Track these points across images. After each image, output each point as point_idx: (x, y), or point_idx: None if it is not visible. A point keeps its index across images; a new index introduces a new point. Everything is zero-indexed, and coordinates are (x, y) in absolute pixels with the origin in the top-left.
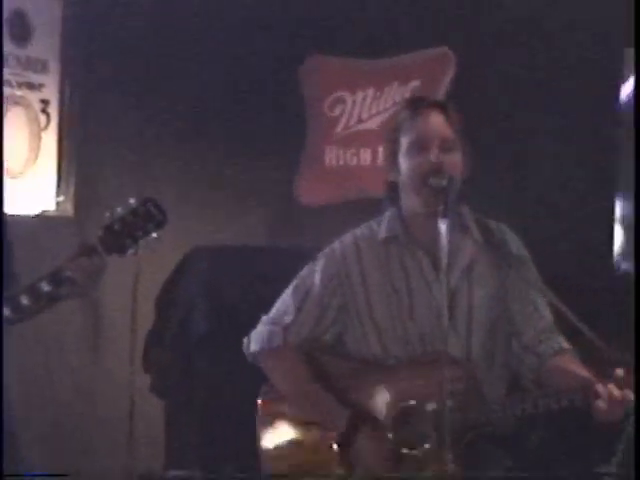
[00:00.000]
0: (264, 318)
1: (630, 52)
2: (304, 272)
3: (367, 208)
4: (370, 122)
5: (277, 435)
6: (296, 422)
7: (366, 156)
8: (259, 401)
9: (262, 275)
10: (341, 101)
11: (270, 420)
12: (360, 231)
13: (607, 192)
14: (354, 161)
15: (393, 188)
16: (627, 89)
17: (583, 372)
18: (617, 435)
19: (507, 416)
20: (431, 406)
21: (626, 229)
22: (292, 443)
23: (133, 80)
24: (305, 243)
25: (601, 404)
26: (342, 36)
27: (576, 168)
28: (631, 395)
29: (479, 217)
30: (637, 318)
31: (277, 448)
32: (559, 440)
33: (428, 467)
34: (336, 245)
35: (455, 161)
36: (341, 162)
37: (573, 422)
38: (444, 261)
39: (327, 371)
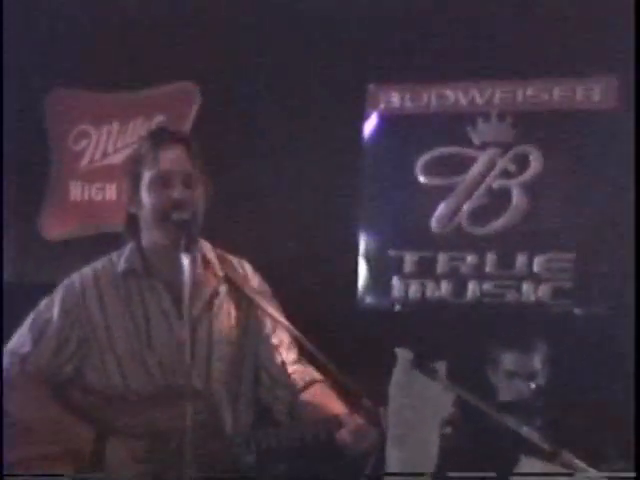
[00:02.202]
0: (4, 349)
1: (373, 88)
2: (43, 304)
3: (112, 243)
4: (115, 157)
5: None
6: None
7: (111, 191)
8: None
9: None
10: (86, 135)
11: None
12: (100, 264)
13: (351, 226)
14: (99, 196)
15: (134, 221)
16: (370, 125)
17: (331, 404)
18: (363, 469)
19: (251, 451)
20: (173, 440)
21: (370, 263)
22: None
23: None
24: (48, 277)
25: (345, 435)
26: (85, 69)
27: (320, 201)
28: (375, 430)
29: (220, 252)
30: (637, 320)
31: None
32: (306, 474)
33: None
34: (75, 277)
35: (197, 196)
36: (86, 197)
37: (320, 455)
38: (186, 295)
39: (71, 403)
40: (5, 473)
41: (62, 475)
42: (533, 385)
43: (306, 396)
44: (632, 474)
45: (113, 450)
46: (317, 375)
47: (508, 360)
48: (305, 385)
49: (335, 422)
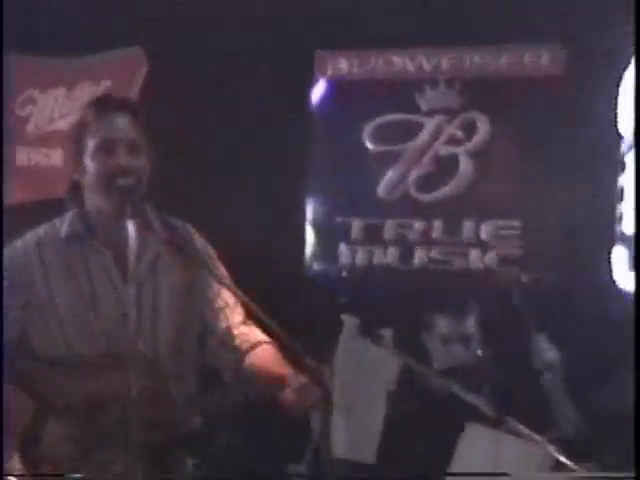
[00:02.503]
0: None
1: (321, 54)
2: None
3: (57, 208)
4: (60, 122)
5: None
6: None
7: (57, 156)
8: None
9: None
10: (31, 100)
11: None
12: (43, 229)
13: (299, 194)
14: (45, 161)
15: (77, 188)
16: (317, 92)
17: (277, 365)
18: (306, 435)
19: (196, 414)
20: (117, 405)
21: (317, 230)
22: None
23: None
24: None
25: (289, 393)
26: (34, 35)
27: (267, 168)
28: (319, 389)
29: (163, 216)
30: (637, 319)
31: None
32: (250, 439)
33: (115, 467)
34: (18, 243)
35: (142, 162)
36: (32, 162)
37: (264, 421)
38: (131, 259)
39: (16, 369)
40: (5, 473)
41: (62, 475)
42: (479, 351)
43: (252, 358)
44: (632, 474)
45: (52, 425)
46: (263, 337)
47: (447, 325)
48: (251, 347)
49: (280, 381)
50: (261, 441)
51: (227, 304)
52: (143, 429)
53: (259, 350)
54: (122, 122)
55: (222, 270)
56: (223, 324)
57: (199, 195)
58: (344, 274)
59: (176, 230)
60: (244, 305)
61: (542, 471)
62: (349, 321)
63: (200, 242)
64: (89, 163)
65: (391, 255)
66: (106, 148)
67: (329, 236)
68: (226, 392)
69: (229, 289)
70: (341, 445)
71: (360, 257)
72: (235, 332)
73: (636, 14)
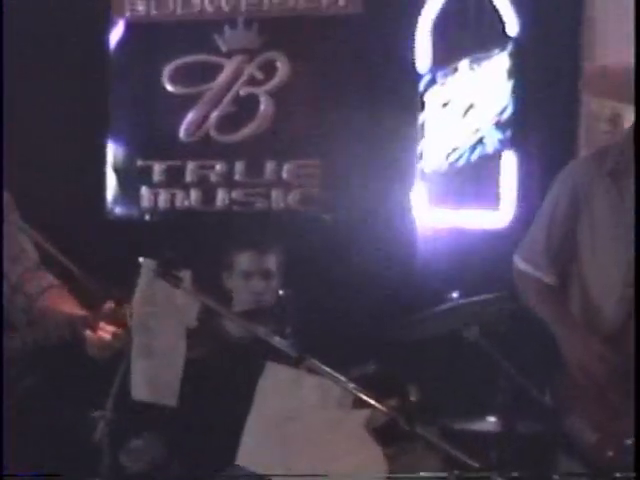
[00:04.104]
0: None
1: None
2: None
3: None
4: None
5: None
6: None
7: None
8: None
9: None
10: None
11: None
12: None
13: (99, 137)
14: None
15: None
16: (115, 33)
17: (73, 307)
18: (109, 379)
19: None
20: None
21: (118, 173)
22: None
23: None
24: None
25: (91, 336)
26: None
27: (66, 112)
28: (121, 329)
29: None
30: (637, 317)
31: None
32: (54, 384)
33: None
34: None
35: None
36: None
37: (67, 365)
38: None
39: None
40: (5, 473)
41: (62, 475)
42: (280, 291)
43: (43, 301)
44: (632, 474)
45: None
46: (55, 281)
47: (248, 266)
48: (42, 291)
49: (79, 322)
50: (64, 385)
51: (23, 249)
52: None
53: (51, 293)
54: None
55: (16, 215)
56: (19, 269)
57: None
58: (146, 217)
59: None
60: (42, 249)
61: (342, 408)
62: (146, 264)
63: None
64: None
65: (193, 197)
66: None
67: (130, 179)
68: (24, 335)
69: (25, 234)
70: (142, 388)
71: (162, 200)
72: (27, 276)
73: (636, 14)
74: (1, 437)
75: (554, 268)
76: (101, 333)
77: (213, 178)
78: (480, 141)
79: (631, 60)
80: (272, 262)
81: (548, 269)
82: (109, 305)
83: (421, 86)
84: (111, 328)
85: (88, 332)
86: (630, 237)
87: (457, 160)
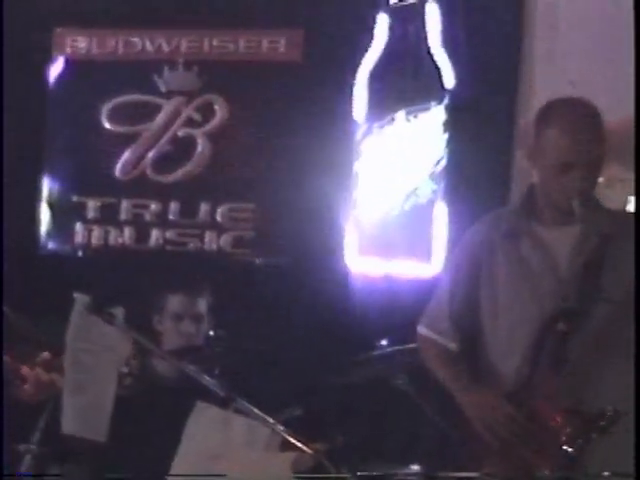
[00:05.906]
0: None
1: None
2: None
3: None
4: None
5: None
6: None
7: None
8: None
9: None
10: None
11: None
12: None
13: (35, 172)
14: None
15: None
16: (56, 70)
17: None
18: (37, 413)
19: None
20: None
21: (53, 209)
22: None
23: None
24: None
25: (27, 387)
26: None
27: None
28: (56, 377)
29: None
30: (637, 319)
31: None
32: None
33: None
34: None
35: None
36: None
37: None
38: None
39: None
40: (5, 473)
41: (62, 475)
42: (210, 332)
43: None
44: (632, 474)
45: None
46: None
47: (179, 306)
48: None
49: (14, 374)
50: None
51: None
52: None
53: None
54: None
55: None
56: None
57: None
58: (79, 254)
59: None
60: None
61: (270, 450)
62: (80, 300)
63: None
64: None
65: (127, 235)
66: None
67: (65, 215)
68: None
69: None
70: (71, 422)
71: (96, 236)
72: None
73: (636, 14)
74: (1, 437)
75: (458, 333)
76: (37, 383)
77: (147, 217)
78: (414, 192)
79: None
80: (203, 306)
81: (453, 335)
82: (45, 355)
83: (357, 135)
84: (47, 378)
85: (25, 384)
86: (536, 294)
87: (390, 210)
